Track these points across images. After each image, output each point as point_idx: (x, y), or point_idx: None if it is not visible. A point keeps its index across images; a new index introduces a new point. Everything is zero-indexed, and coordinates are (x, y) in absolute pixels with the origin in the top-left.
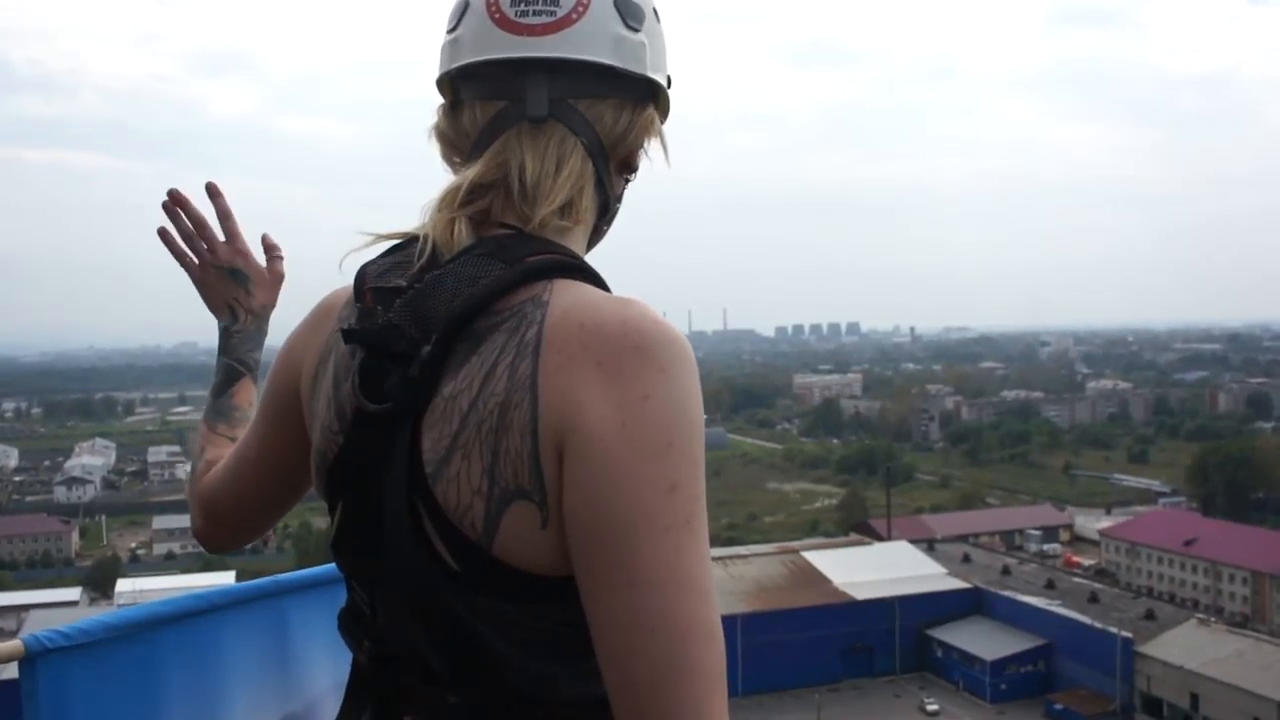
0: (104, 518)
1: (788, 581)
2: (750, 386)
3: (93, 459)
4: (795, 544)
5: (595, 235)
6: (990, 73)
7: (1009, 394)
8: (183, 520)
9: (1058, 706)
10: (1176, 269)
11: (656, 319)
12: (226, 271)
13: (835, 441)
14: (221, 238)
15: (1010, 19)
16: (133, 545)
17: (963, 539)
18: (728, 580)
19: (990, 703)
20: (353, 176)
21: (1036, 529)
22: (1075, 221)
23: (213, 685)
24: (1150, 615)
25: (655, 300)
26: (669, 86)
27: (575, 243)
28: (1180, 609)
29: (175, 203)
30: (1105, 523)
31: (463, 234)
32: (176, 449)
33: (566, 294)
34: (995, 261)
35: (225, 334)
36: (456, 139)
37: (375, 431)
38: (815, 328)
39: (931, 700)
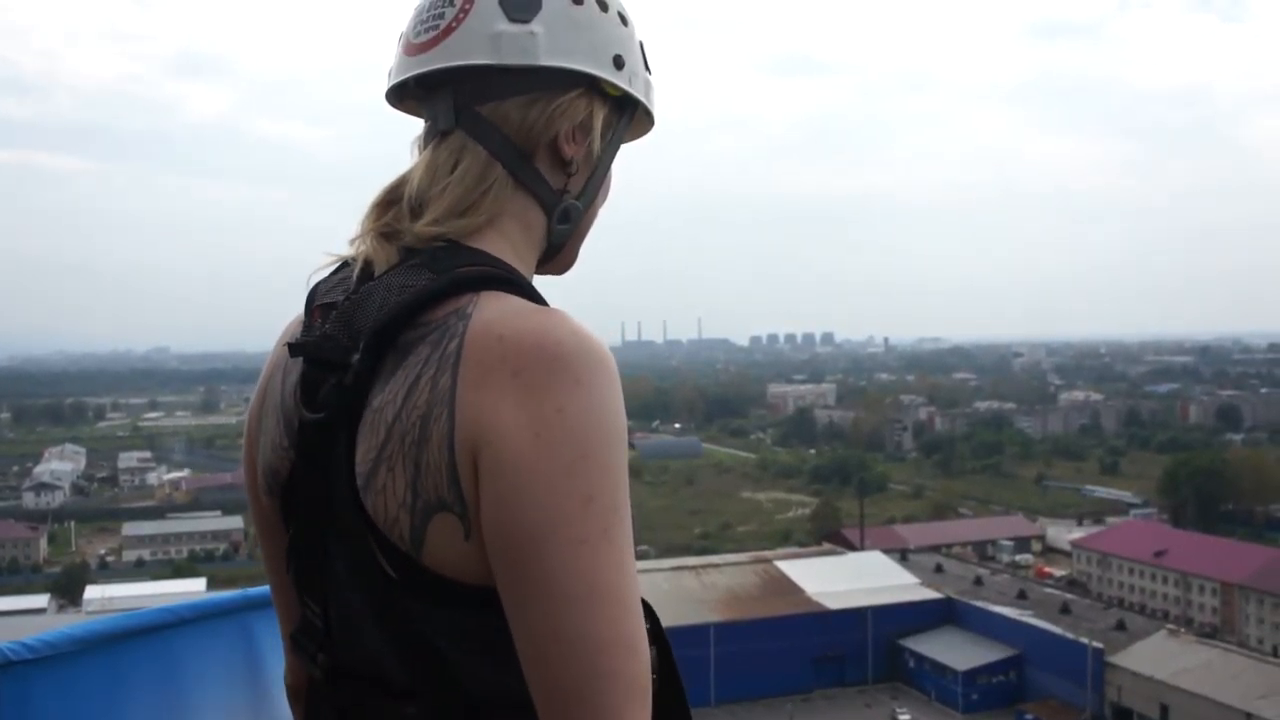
0: (73, 524)
1: (760, 590)
2: (724, 395)
3: (62, 464)
4: (768, 553)
5: (555, 237)
6: (966, 85)
7: (982, 405)
8: (153, 527)
9: (1029, 716)
10: (1149, 282)
11: (576, 330)
12: None
13: (809, 451)
14: None
15: (986, 32)
16: (102, 552)
17: (935, 549)
18: (700, 589)
19: (962, 712)
20: (326, 180)
21: (1008, 539)
22: (1049, 234)
23: (179, 700)
24: (1121, 626)
25: (628, 309)
26: (621, 67)
27: (507, 247)
28: (1151, 620)
29: None
30: (1077, 534)
31: (376, 249)
32: (147, 454)
33: (490, 306)
34: (969, 273)
35: None
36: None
37: (316, 442)
38: (789, 337)
39: (903, 710)
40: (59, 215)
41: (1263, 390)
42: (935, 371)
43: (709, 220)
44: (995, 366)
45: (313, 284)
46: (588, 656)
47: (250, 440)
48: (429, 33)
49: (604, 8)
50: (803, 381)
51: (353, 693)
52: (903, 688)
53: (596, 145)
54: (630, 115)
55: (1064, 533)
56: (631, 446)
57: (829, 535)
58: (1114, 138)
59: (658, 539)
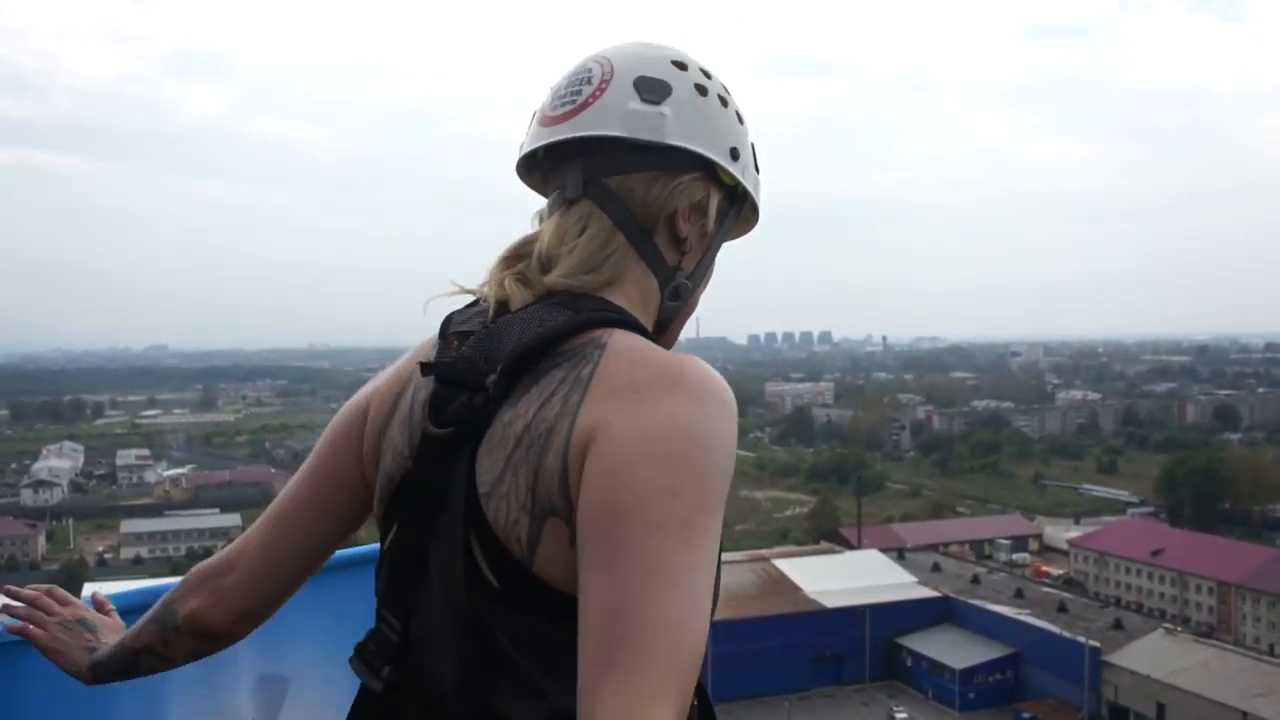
0: (71, 521)
1: (758, 589)
2: None
3: (60, 462)
4: (766, 551)
5: (665, 312)
6: (966, 85)
7: (979, 404)
8: (151, 524)
9: (1026, 715)
10: (1146, 282)
11: (703, 366)
12: (73, 622)
13: (807, 450)
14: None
15: (986, 33)
16: (100, 549)
17: (932, 548)
18: None
19: (959, 711)
20: (326, 179)
21: (1006, 539)
22: (1047, 234)
23: (160, 685)
24: (1118, 624)
25: None
26: (736, 159)
27: (628, 306)
28: (1148, 619)
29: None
30: (1074, 533)
31: (513, 290)
32: (145, 452)
33: (624, 340)
34: (968, 273)
35: (98, 665)
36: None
37: (438, 455)
38: (788, 336)
39: (900, 709)
40: (58, 215)
41: (1260, 390)
42: (933, 370)
43: None
44: (993, 366)
45: (437, 306)
46: (628, 629)
47: (344, 436)
48: (565, 106)
49: (724, 104)
50: (801, 380)
51: (410, 710)
52: (900, 686)
53: (710, 227)
54: (740, 208)
55: (1061, 532)
56: None
57: (827, 534)
58: (1113, 138)
59: None
